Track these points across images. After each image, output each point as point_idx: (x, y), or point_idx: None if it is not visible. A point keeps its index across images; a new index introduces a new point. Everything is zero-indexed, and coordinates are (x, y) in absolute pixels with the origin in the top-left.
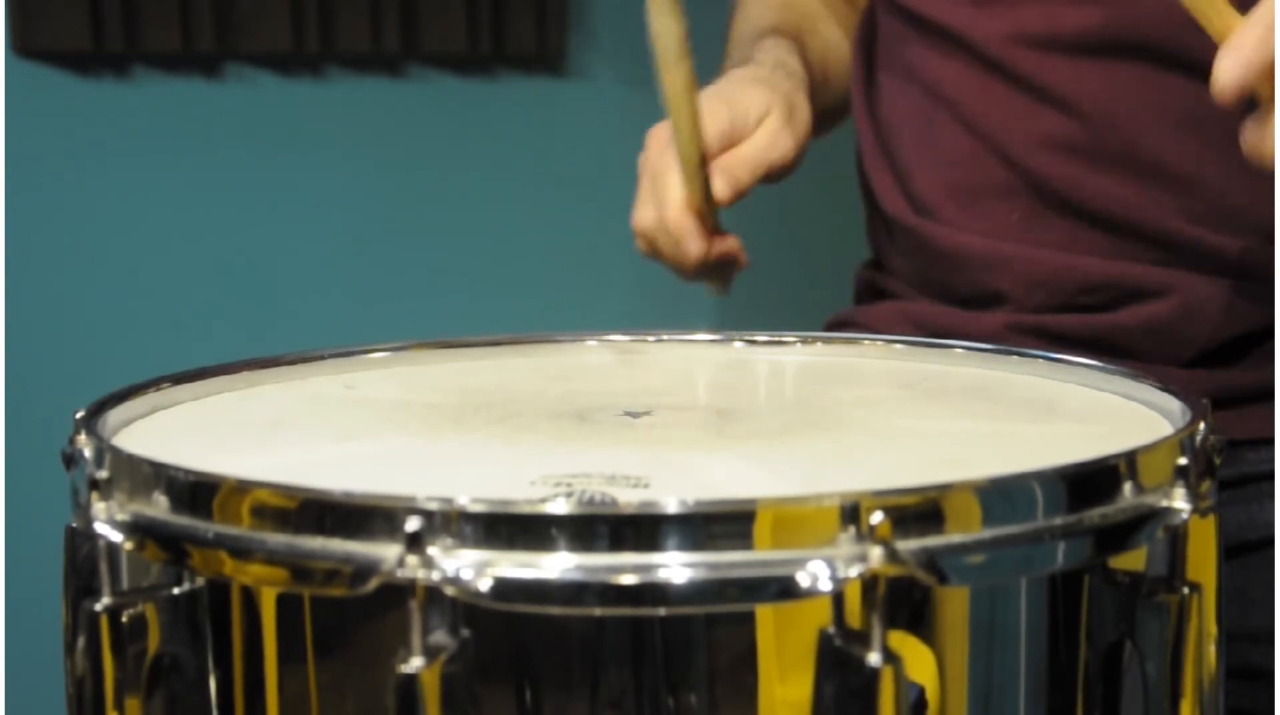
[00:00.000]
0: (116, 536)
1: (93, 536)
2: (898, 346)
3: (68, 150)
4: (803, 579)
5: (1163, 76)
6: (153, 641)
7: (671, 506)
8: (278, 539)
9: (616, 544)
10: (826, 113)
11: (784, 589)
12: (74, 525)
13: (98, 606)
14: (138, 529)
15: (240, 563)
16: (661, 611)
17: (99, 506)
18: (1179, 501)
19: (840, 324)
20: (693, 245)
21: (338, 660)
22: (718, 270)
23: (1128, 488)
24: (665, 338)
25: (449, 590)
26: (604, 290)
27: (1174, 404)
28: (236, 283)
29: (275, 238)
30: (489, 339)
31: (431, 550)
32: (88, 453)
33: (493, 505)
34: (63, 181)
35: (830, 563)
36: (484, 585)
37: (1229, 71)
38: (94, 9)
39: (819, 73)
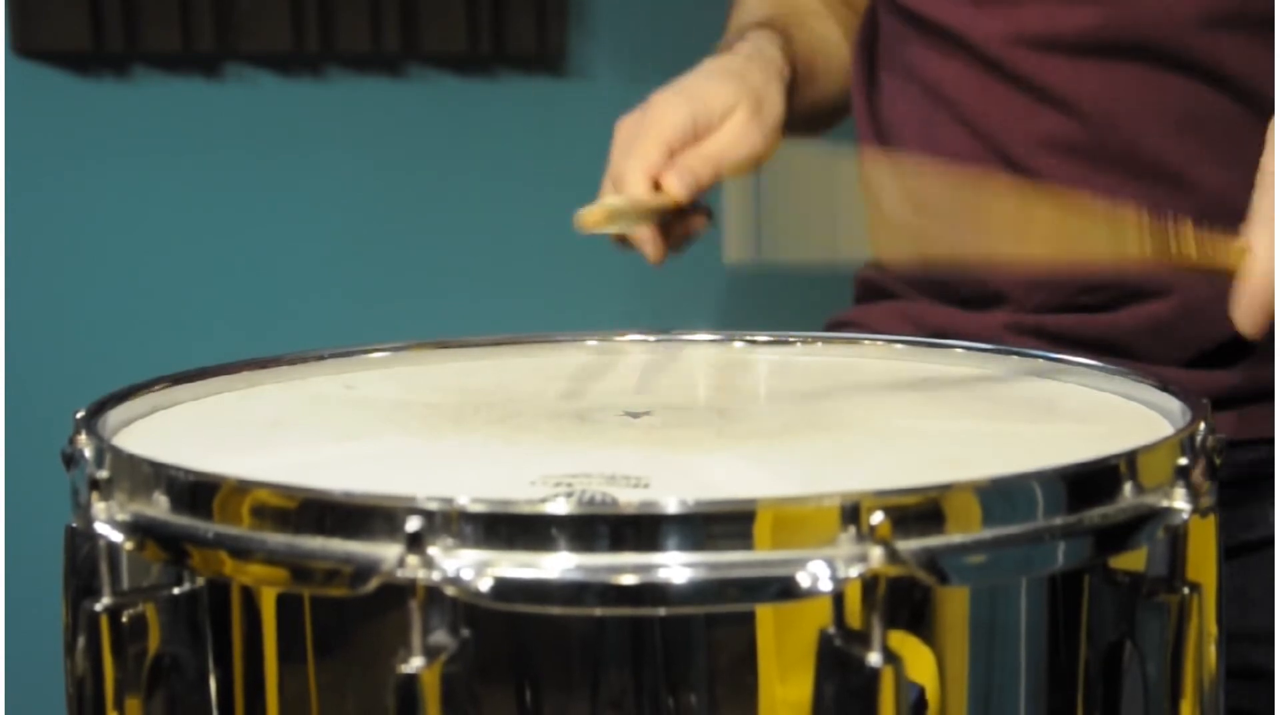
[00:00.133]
0: (117, 536)
1: (93, 536)
2: (898, 346)
3: (68, 150)
4: (803, 579)
5: (1162, 76)
6: (153, 641)
7: (671, 506)
8: (278, 539)
9: (617, 544)
10: (818, 109)
11: (784, 589)
12: (74, 525)
13: (98, 606)
14: (138, 529)
15: (240, 563)
16: (661, 611)
17: (99, 506)
18: (1179, 501)
19: (840, 324)
20: (649, 251)
21: (338, 660)
22: (677, 246)
23: (1128, 488)
24: (665, 337)
25: (449, 590)
26: (604, 290)
27: (1174, 404)
28: (236, 283)
29: (275, 238)
30: (489, 339)
31: (432, 550)
32: (88, 453)
33: (493, 505)
34: (63, 181)
35: (830, 563)
36: (484, 585)
37: (1253, 325)
38: (94, 9)
39: (805, 66)
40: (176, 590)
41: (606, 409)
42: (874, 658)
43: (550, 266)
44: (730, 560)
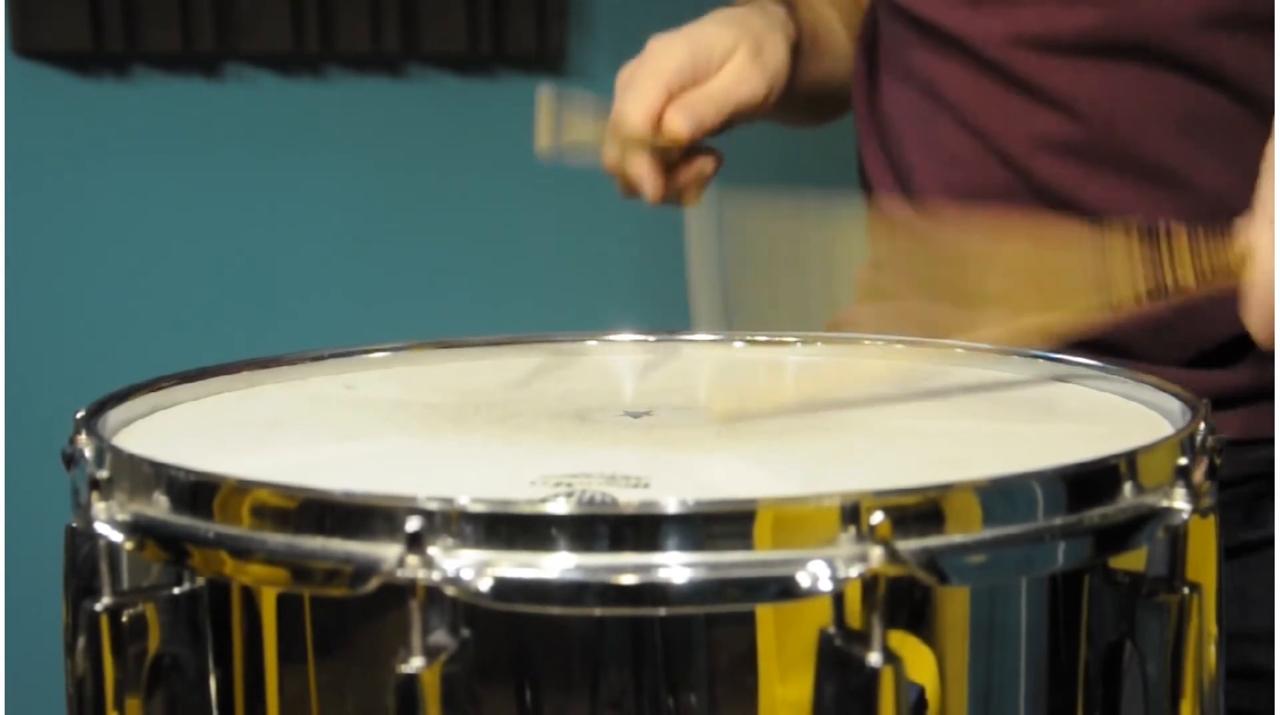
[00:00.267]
0: (117, 536)
1: (93, 536)
2: (898, 346)
3: (68, 150)
4: (803, 579)
5: (1161, 77)
6: (153, 641)
7: (671, 506)
8: (278, 539)
9: (616, 544)
10: (823, 89)
11: (784, 589)
12: (74, 525)
13: (98, 606)
14: (138, 529)
15: (240, 563)
16: (661, 611)
17: (99, 506)
18: (1179, 501)
19: (840, 324)
20: (647, 188)
21: (338, 660)
22: (685, 191)
23: (1128, 488)
24: (665, 337)
25: (449, 590)
26: (604, 290)
27: (1174, 404)
28: (236, 283)
29: (275, 238)
30: (489, 339)
31: (432, 550)
32: (88, 453)
33: (493, 505)
34: (63, 181)
35: (830, 563)
36: (484, 585)
37: (1269, 335)
38: (94, 9)
39: (808, 37)
40: (176, 590)
41: (606, 409)
42: (874, 658)
43: (550, 266)
44: (730, 560)
